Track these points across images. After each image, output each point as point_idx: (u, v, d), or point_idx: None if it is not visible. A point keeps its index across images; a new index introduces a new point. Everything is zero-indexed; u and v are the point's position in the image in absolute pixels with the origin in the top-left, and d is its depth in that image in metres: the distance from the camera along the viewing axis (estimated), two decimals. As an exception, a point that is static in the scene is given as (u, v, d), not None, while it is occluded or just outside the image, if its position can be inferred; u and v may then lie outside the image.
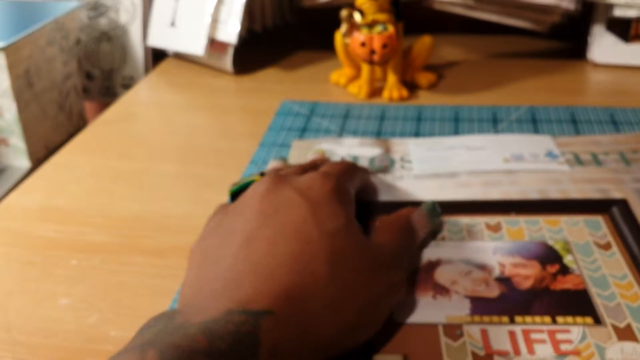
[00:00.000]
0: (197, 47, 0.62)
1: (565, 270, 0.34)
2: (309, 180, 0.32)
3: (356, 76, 0.59)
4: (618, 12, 0.59)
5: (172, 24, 0.65)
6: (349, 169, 0.37)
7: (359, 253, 0.29)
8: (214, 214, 0.34)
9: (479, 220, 0.38)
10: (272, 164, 0.41)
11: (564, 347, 0.28)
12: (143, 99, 0.62)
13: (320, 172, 0.33)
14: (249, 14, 0.66)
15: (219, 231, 0.30)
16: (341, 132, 0.50)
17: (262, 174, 0.37)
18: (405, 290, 0.31)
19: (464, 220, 0.38)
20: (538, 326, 0.30)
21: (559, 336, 0.29)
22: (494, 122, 0.50)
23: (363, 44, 0.53)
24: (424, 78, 0.59)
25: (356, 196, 0.35)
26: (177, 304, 0.31)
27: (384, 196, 0.41)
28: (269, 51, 0.69)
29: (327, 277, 0.27)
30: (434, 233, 0.37)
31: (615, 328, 0.29)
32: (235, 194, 0.37)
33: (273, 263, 0.27)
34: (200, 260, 0.29)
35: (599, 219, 0.37)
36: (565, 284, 0.33)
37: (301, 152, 0.47)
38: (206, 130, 0.53)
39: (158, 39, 0.67)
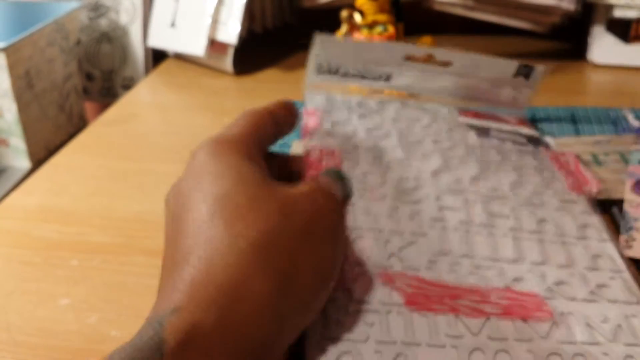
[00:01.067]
0: (197, 47, 0.62)
1: None
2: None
3: (356, 77, 0.59)
4: (618, 13, 0.59)
5: (173, 24, 0.65)
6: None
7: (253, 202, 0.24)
8: None
9: None
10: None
11: None
12: (143, 99, 0.62)
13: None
14: (249, 14, 0.66)
15: None
16: (341, 133, 0.50)
17: None
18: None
19: None
20: None
21: None
22: (494, 123, 0.50)
23: (363, 45, 0.53)
24: (424, 79, 0.59)
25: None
26: None
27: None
28: (269, 52, 0.69)
29: (227, 250, 0.23)
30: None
31: None
32: None
33: (174, 260, 0.24)
34: None
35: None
36: None
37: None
38: (207, 130, 0.53)
39: (158, 40, 0.67)
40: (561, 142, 0.46)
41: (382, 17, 0.54)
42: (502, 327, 0.27)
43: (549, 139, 0.45)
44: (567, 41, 0.68)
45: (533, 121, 0.50)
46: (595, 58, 0.62)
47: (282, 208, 0.25)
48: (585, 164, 0.43)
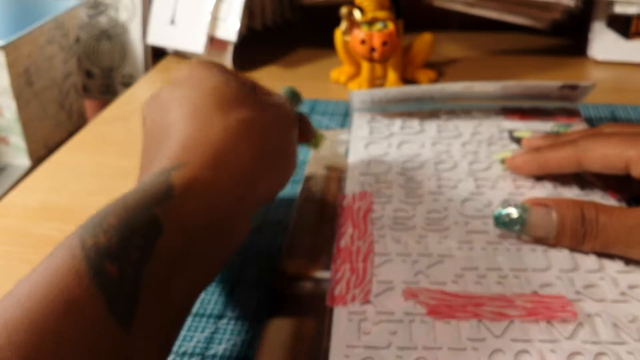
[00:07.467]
0: (196, 44, 0.62)
1: None
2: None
3: (356, 74, 0.59)
4: (618, 9, 0.59)
5: (172, 21, 0.65)
6: None
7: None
8: None
9: None
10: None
11: None
12: (143, 97, 0.62)
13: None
14: (249, 11, 0.66)
15: None
16: (341, 130, 0.50)
17: None
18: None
19: None
20: None
21: None
22: (494, 119, 0.50)
23: (363, 42, 0.53)
24: (424, 75, 0.59)
25: None
26: None
27: None
28: (269, 49, 0.69)
29: (219, 124, 0.29)
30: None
31: None
32: None
33: (159, 139, 0.30)
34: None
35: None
36: None
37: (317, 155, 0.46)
38: (206, 128, 0.53)
39: (158, 37, 0.67)
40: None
41: (381, 14, 0.53)
42: (526, 329, 0.28)
43: None
44: (567, 37, 0.68)
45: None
46: (595, 54, 0.62)
47: (262, 105, 0.32)
48: None
